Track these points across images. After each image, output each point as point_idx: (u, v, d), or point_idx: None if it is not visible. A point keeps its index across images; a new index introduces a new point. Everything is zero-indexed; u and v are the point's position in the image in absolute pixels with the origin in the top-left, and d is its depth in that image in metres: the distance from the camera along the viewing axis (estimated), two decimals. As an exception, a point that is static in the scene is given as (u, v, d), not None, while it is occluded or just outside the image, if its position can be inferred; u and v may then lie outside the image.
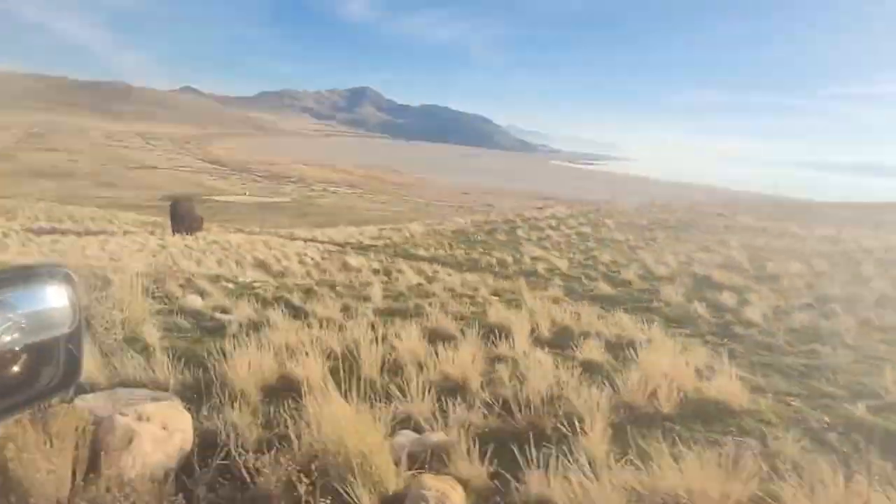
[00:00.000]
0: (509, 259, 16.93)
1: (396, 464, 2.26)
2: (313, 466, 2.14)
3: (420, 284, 10.14)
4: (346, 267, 14.07)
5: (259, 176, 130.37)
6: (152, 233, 22.66)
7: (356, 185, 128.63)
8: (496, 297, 8.26)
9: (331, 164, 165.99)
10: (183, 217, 24.17)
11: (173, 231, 23.29)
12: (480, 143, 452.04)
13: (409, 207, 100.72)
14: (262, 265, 13.84)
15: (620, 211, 33.41)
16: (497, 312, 6.11)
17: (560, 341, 5.14)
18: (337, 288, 9.04)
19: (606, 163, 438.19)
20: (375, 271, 13.27)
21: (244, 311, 5.71)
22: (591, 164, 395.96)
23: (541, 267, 14.19)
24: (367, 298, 7.76)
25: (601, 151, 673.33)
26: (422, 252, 20.62)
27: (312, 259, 17.11)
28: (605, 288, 9.92)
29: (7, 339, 0.72)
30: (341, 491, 2.06)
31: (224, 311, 5.89)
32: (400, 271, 12.55)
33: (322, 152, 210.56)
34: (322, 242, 24.20)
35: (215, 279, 9.04)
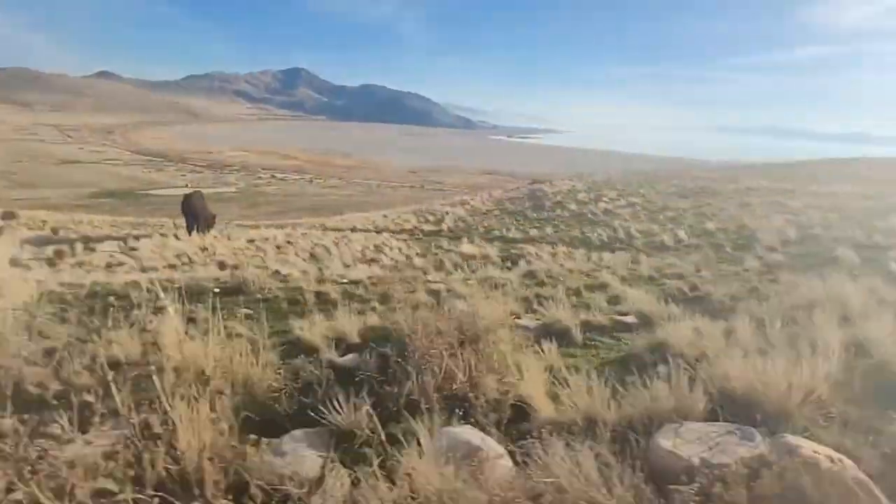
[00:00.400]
0: (610, 234, 17.14)
1: None
2: None
3: (590, 272, 8.50)
4: (465, 257, 13.30)
5: (198, 166, 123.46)
6: (164, 234, 19.93)
7: (303, 171, 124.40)
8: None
9: (273, 149, 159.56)
10: (198, 213, 21.81)
11: (189, 230, 21.06)
12: (420, 122, 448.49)
13: (360, 190, 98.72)
14: (367, 261, 12.83)
15: (611, 183, 34.04)
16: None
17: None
18: (559, 279, 7.33)
19: (543, 136, 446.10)
20: (504, 258, 12.63)
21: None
22: (530, 137, 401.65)
23: (667, 238, 14.15)
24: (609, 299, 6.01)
25: (538, 125, 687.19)
26: (497, 233, 20.38)
27: (399, 249, 16.29)
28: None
29: None
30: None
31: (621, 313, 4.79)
32: (538, 255, 11.96)
33: (262, 137, 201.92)
34: (364, 231, 23.33)
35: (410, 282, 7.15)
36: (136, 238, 18.49)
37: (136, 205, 67.72)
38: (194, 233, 20.75)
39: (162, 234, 19.82)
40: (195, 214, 21.55)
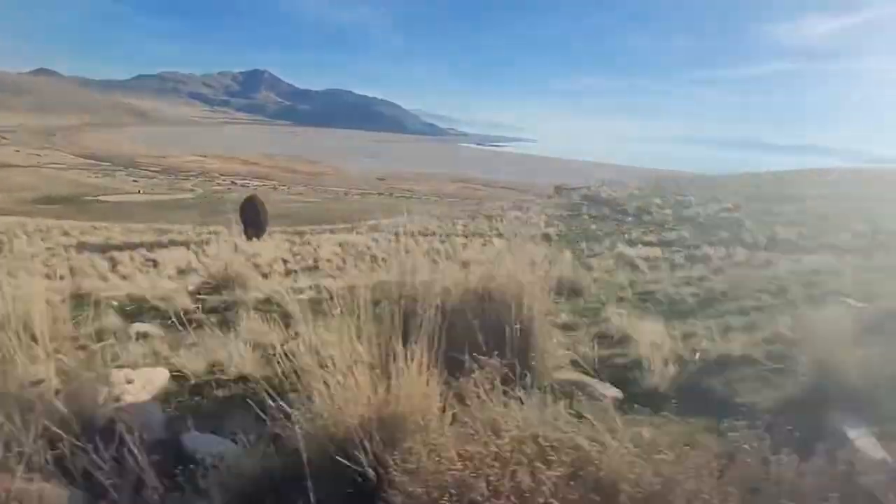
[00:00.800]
0: (756, 236, 17.91)
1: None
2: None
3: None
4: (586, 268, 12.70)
5: (151, 171, 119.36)
6: (206, 242, 19.58)
7: (266, 177, 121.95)
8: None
9: (233, 154, 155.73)
10: (255, 218, 21.34)
11: (248, 235, 20.32)
12: (388, 128, 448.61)
13: (327, 198, 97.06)
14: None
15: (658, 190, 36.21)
16: None
17: None
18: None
19: (513, 144, 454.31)
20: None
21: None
22: (500, 146, 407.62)
23: (836, 239, 15.04)
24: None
25: (507, 133, 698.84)
26: (627, 238, 21.12)
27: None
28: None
29: None
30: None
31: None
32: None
33: (221, 142, 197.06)
34: (470, 236, 23.58)
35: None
36: (204, 243, 18.67)
37: (86, 211, 64.32)
38: (251, 236, 20.32)
39: (222, 240, 19.38)
40: (253, 217, 21.25)
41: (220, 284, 5.71)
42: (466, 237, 22.78)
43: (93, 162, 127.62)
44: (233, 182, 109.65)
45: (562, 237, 22.36)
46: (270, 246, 18.53)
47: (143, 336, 3.63)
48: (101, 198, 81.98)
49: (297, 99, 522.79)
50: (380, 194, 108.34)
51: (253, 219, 21.44)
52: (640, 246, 17.46)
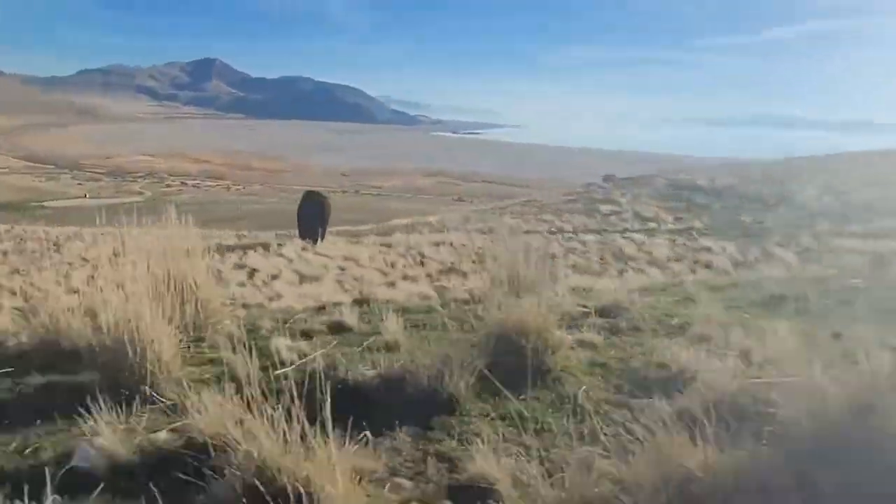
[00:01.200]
0: None
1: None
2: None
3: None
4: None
5: (97, 173, 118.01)
6: (265, 247, 18.63)
7: (220, 176, 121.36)
8: None
9: (182, 152, 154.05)
10: (315, 218, 20.20)
11: (306, 237, 19.82)
12: (353, 118, 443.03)
13: (287, 197, 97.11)
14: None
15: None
16: None
17: None
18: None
19: (493, 131, 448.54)
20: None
21: None
22: (478, 133, 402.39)
23: None
24: None
25: (486, 119, 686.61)
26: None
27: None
28: None
29: None
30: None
31: None
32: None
33: (170, 138, 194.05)
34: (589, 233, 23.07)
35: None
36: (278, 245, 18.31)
37: (33, 219, 64.18)
38: (315, 241, 19.30)
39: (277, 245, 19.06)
40: (313, 217, 20.11)
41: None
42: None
43: (37, 165, 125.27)
44: (183, 182, 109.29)
45: (716, 229, 21.50)
46: (353, 250, 18.08)
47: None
48: (45, 203, 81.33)
49: (250, 89, 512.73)
50: (344, 192, 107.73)
51: (321, 218, 20.38)
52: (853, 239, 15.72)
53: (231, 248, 17.96)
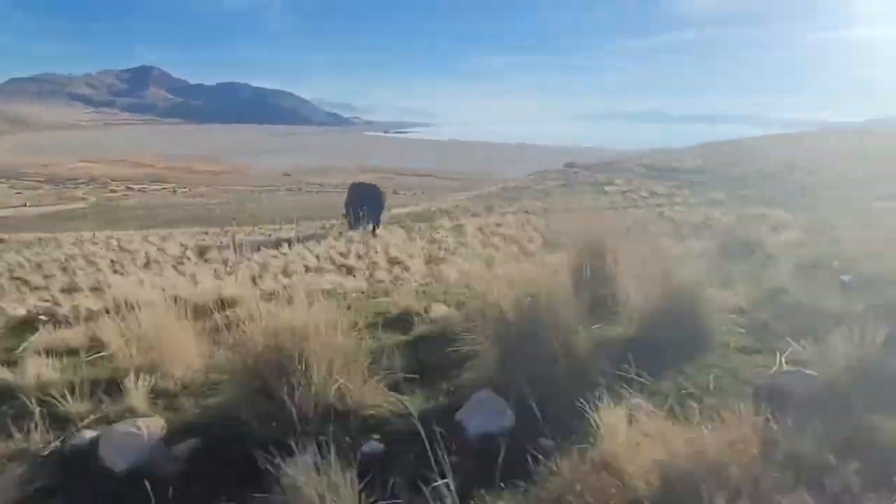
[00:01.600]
0: None
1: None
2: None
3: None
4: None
5: (35, 181, 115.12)
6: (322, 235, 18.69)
7: (163, 180, 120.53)
8: None
9: (123, 157, 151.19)
10: (378, 205, 19.53)
11: (356, 226, 19.35)
12: (289, 121, 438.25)
13: (233, 198, 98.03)
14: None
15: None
16: None
17: None
18: None
19: (423, 130, 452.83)
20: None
21: None
22: (408, 132, 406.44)
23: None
24: None
25: (415, 119, 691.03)
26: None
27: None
28: None
29: None
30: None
31: None
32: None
33: (109, 144, 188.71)
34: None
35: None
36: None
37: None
38: (374, 229, 19.17)
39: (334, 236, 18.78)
40: (363, 205, 19.64)
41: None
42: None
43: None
44: (128, 187, 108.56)
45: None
46: (402, 238, 17.81)
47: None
48: (-17, 214, 79.88)
49: (189, 95, 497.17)
50: (288, 189, 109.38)
51: (376, 207, 20.00)
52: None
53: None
